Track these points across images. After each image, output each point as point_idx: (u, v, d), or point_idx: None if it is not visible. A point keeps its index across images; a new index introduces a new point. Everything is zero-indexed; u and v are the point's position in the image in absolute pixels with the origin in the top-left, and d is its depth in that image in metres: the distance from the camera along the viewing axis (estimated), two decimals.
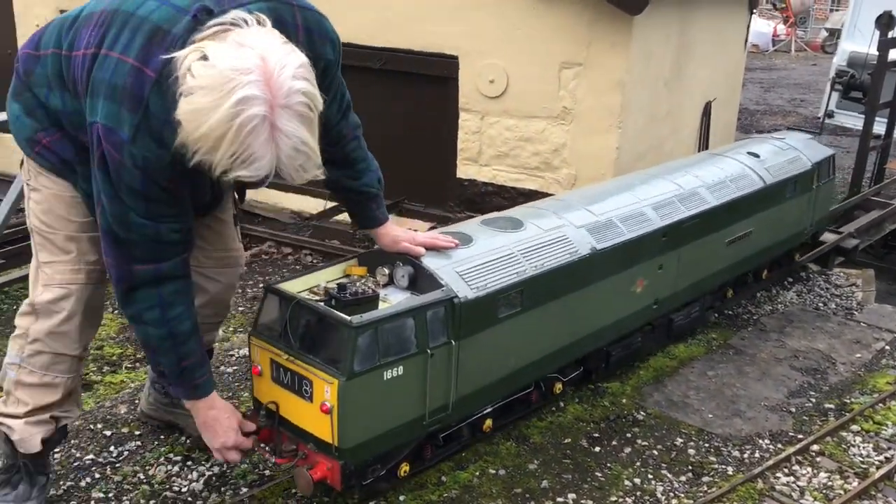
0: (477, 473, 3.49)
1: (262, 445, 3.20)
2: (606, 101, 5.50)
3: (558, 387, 3.87)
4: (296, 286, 3.22)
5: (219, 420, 2.99)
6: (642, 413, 4.01)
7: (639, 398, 4.14)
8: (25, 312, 2.98)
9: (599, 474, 3.55)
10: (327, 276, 3.34)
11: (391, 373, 2.98)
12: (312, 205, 6.61)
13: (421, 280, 3.23)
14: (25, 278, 4.49)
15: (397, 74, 6.22)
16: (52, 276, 2.93)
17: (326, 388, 2.90)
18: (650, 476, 3.55)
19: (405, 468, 3.25)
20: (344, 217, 6.17)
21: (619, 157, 5.59)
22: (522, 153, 5.85)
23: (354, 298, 3.00)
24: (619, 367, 4.25)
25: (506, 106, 5.82)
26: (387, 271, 3.29)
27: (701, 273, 4.48)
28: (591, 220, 3.84)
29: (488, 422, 3.55)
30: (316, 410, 2.95)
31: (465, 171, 6.15)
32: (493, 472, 3.51)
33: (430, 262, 3.23)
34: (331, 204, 6.26)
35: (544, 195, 5.06)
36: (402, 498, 3.32)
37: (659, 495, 3.43)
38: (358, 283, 3.11)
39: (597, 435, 3.81)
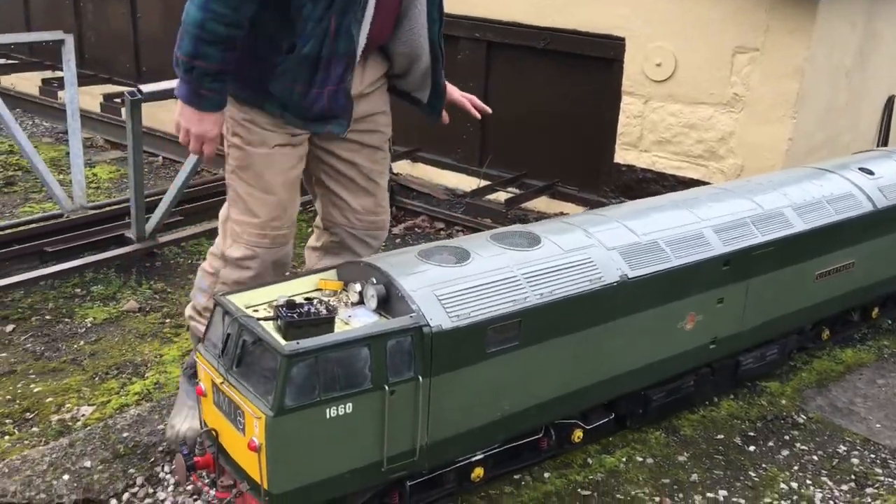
0: (623, 459, 3.43)
1: (202, 474, 2.84)
2: (782, 89, 5.14)
3: (578, 434, 3.29)
4: (252, 298, 2.82)
5: (206, 132, 2.88)
6: (803, 416, 3.81)
7: (800, 400, 3.93)
8: (217, 255, 3.19)
9: (753, 474, 3.40)
10: (297, 288, 2.93)
11: (336, 410, 2.53)
12: (467, 182, 6.69)
13: (392, 301, 2.76)
14: (200, 235, 5.27)
15: (560, 55, 6.10)
16: (240, 235, 3.10)
17: (255, 423, 2.49)
18: (808, 482, 3.39)
19: None
20: (497, 196, 6.30)
21: (791, 149, 5.25)
22: (686, 140, 5.58)
23: (302, 320, 2.57)
24: (663, 415, 3.62)
25: (671, 90, 5.56)
26: (358, 288, 2.84)
27: (779, 310, 3.75)
28: (628, 241, 3.23)
29: (478, 470, 3.03)
30: (247, 446, 2.55)
31: (623, 156, 5.91)
32: (641, 459, 3.44)
33: (407, 282, 2.74)
34: (485, 182, 6.46)
35: (705, 185, 4.78)
36: (546, 475, 3.30)
37: (818, 502, 3.27)
38: (315, 302, 2.67)
39: (752, 434, 3.67)
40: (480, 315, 2.76)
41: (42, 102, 8.69)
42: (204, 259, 3.35)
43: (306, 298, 2.82)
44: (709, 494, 3.27)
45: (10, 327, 4.34)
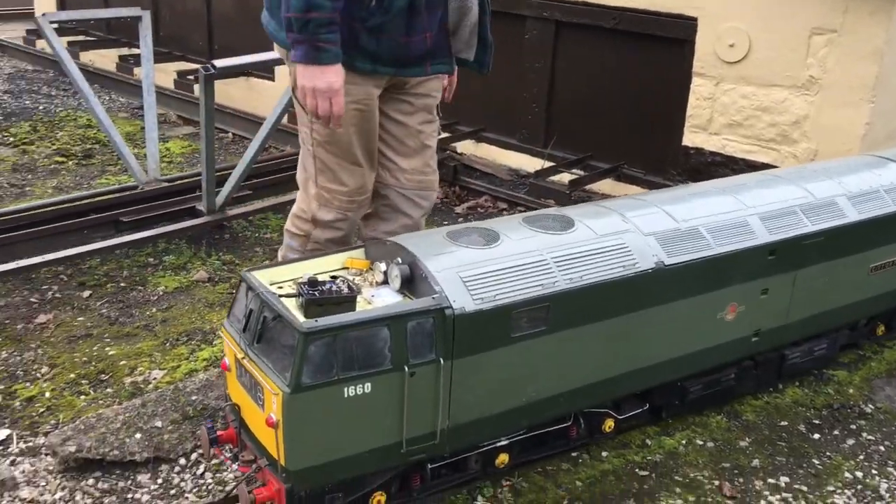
0: (683, 442, 3.42)
1: (226, 447, 2.86)
2: (860, 72, 4.99)
3: (609, 424, 3.22)
4: (278, 275, 2.82)
5: (332, 84, 2.87)
6: (871, 406, 3.74)
7: (868, 390, 3.84)
8: (305, 219, 3.35)
9: (817, 462, 3.37)
10: (325, 266, 2.91)
11: (355, 390, 2.50)
12: (531, 163, 6.64)
13: (416, 282, 2.72)
14: (268, 209, 5.44)
15: (629, 35, 6.02)
16: (330, 201, 3.28)
17: (273, 399, 2.48)
18: (874, 471, 3.33)
19: (379, 499, 2.77)
20: (561, 178, 6.28)
21: (869, 134, 5.08)
22: (758, 123, 5.46)
23: (323, 297, 2.55)
24: (701, 408, 3.51)
25: (744, 72, 5.43)
26: (383, 268, 2.81)
27: (829, 303, 3.59)
28: (667, 227, 3.13)
29: (503, 456, 2.98)
30: (265, 422, 2.55)
31: (691, 138, 5.80)
32: (701, 443, 3.42)
33: (432, 263, 2.70)
34: (549, 164, 6.43)
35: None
36: (604, 454, 3.30)
37: (883, 492, 3.21)
38: (338, 280, 2.65)
39: (817, 422, 3.62)
40: (506, 299, 2.70)
41: (118, 78, 8.98)
42: (264, 232, 3.51)
43: (332, 276, 2.80)
44: (770, 480, 3.23)
45: (87, 293, 4.51)
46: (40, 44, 10.08)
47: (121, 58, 9.42)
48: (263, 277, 2.76)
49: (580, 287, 2.83)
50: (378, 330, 2.51)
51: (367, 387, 2.52)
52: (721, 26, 5.46)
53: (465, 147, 6.95)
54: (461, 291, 2.65)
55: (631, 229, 3.06)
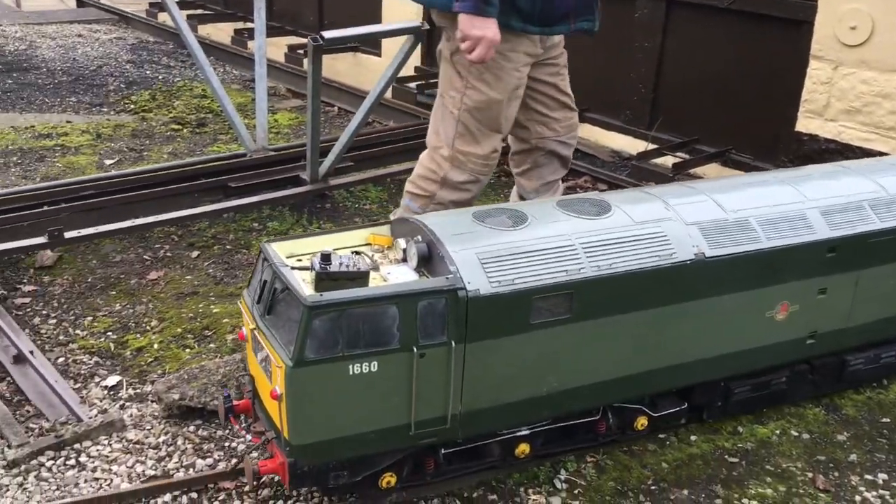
0: (777, 432, 3.33)
1: (241, 417, 2.86)
2: None
3: (642, 422, 3.06)
4: (297, 247, 2.79)
5: (494, 35, 3.18)
6: None
7: None
8: (433, 180, 3.54)
9: None
10: (347, 241, 2.87)
11: (361, 368, 2.45)
12: (634, 145, 6.54)
13: (434, 262, 2.64)
14: (367, 181, 5.60)
15: (745, 15, 5.85)
16: (465, 163, 3.52)
17: (278, 372, 2.46)
18: None
19: (389, 479, 2.72)
20: (665, 160, 6.18)
21: None
22: (878, 110, 5.21)
23: (333, 272, 2.50)
24: (748, 410, 3.31)
25: (865, 56, 5.19)
26: (403, 245, 2.74)
27: None
28: (713, 217, 2.94)
29: (523, 446, 2.88)
30: (270, 394, 2.53)
31: (805, 124, 5.56)
32: (796, 434, 3.33)
33: (451, 242, 2.62)
34: (651, 146, 6.28)
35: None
36: (693, 438, 3.26)
37: None
38: (353, 256, 2.60)
39: None
40: (525, 283, 2.59)
41: (233, 51, 9.28)
42: (364, 203, 3.88)
43: (354, 252, 2.76)
44: (867, 476, 3.11)
45: (195, 253, 4.70)
46: (162, 17, 10.55)
47: (236, 31, 9.74)
48: (282, 249, 2.74)
49: (608, 275, 2.70)
50: (386, 308, 2.45)
51: (374, 365, 2.47)
52: (842, 8, 5.19)
53: None
54: (478, 273, 2.56)
55: (672, 217, 2.90)
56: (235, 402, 2.81)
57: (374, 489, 2.73)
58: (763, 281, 2.98)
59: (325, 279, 2.50)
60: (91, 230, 4.40)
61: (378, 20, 7.98)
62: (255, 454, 2.94)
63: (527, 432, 2.87)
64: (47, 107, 7.35)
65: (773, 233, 2.98)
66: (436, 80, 7.40)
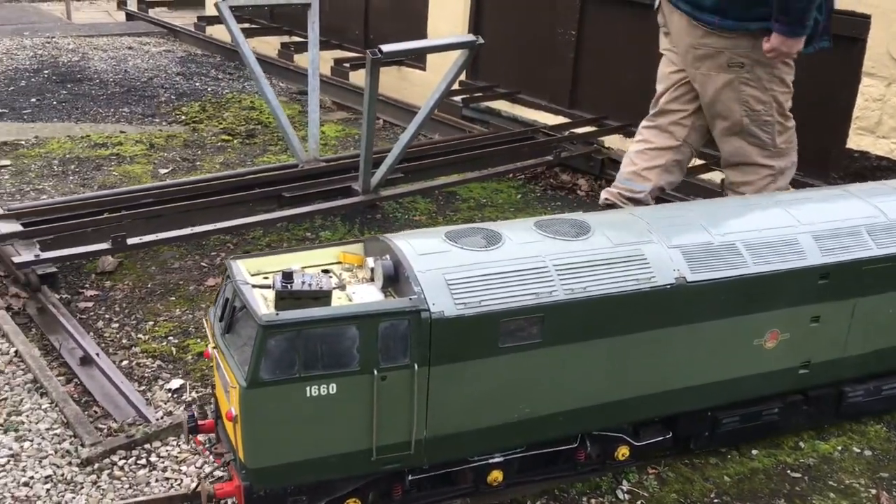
0: (839, 448, 3.33)
1: (201, 437, 2.80)
2: None
3: (623, 452, 2.95)
4: (263, 265, 2.74)
5: (799, 49, 4.08)
6: None
7: None
8: (771, 174, 4.34)
9: None
10: (315, 259, 2.81)
11: (318, 390, 2.38)
12: None
13: (401, 282, 2.57)
14: (417, 192, 5.65)
15: None
16: (790, 148, 4.35)
17: (233, 393, 2.40)
18: None
19: None
20: (711, 176, 6.00)
21: None
22: None
23: (293, 290, 2.44)
24: (737, 441, 3.18)
25: None
26: (371, 264, 2.67)
27: None
28: (697, 241, 2.84)
29: (496, 473, 2.78)
30: (226, 415, 2.47)
31: (857, 141, 5.45)
32: (858, 450, 3.33)
33: (417, 262, 2.54)
34: (699, 161, 6.13)
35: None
36: (754, 452, 3.26)
37: None
38: (315, 274, 2.54)
39: None
40: (493, 305, 2.51)
41: (279, 64, 9.42)
42: (413, 214, 4.16)
43: (323, 270, 2.70)
44: None
45: None
46: (210, 30, 10.82)
47: (282, 45, 9.91)
48: (249, 266, 2.69)
49: (581, 299, 2.60)
50: (345, 329, 2.38)
51: (333, 388, 2.39)
52: None
53: (613, 141, 6.71)
54: (443, 294, 2.48)
55: (653, 240, 2.80)
56: (200, 422, 2.75)
57: None
58: (750, 307, 2.87)
59: (287, 298, 2.43)
60: (151, 237, 4.50)
61: (423, 35, 8.07)
62: (219, 476, 2.88)
63: (500, 459, 2.78)
64: (101, 117, 7.53)
65: (760, 257, 2.86)
66: (479, 94, 7.50)
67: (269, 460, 2.44)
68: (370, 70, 4.54)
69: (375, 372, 2.41)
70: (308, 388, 2.37)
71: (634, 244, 2.77)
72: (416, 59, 8.33)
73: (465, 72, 7.81)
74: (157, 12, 12.74)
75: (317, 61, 5.86)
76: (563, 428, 2.78)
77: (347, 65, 8.78)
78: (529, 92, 7.49)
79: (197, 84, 8.82)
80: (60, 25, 11.74)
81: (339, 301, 2.53)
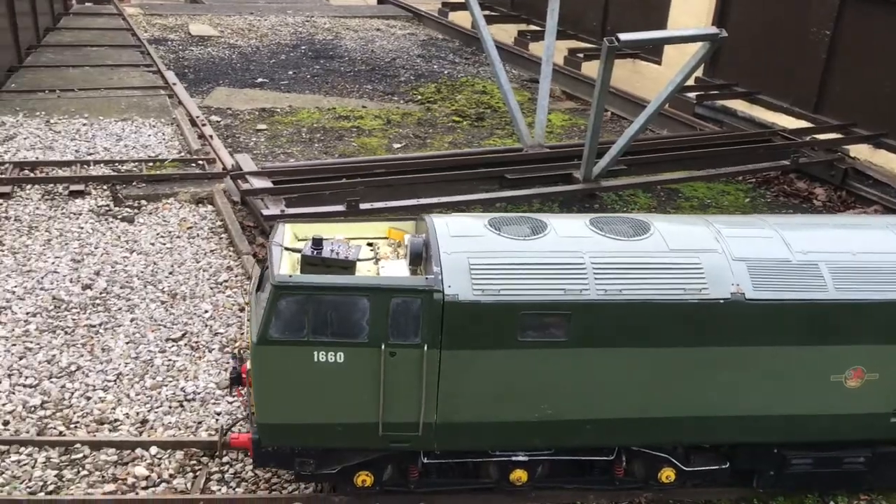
0: None
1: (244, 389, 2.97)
2: None
3: (668, 474, 2.72)
4: (312, 231, 2.80)
5: None
6: None
7: None
8: None
9: None
10: (364, 231, 2.84)
11: (326, 356, 2.43)
12: None
13: (428, 260, 2.56)
14: (638, 186, 5.75)
15: None
16: None
17: (250, 349, 2.54)
18: None
19: (364, 479, 2.67)
20: None
21: None
22: None
23: (318, 256, 2.51)
24: (814, 487, 2.81)
25: None
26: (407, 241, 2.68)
27: None
28: (770, 256, 2.55)
29: (519, 472, 2.69)
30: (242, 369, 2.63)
31: None
32: None
33: (445, 243, 2.51)
34: None
35: None
36: None
37: None
38: (347, 244, 2.59)
39: None
40: (512, 295, 2.42)
41: (514, 52, 9.74)
42: (632, 207, 4.06)
43: (368, 243, 2.77)
44: None
45: None
46: (452, 16, 11.46)
47: (519, 33, 10.19)
48: (297, 231, 2.78)
49: (615, 301, 2.44)
50: (357, 299, 2.40)
51: (340, 356, 2.43)
52: None
53: (860, 151, 6.30)
54: (463, 278, 2.43)
55: (717, 250, 2.56)
56: (244, 374, 2.91)
57: (349, 485, 2.70)
58: (826, 338, 2.54)
59: (312, 263, 2.52)
60: (381, 204, 4.92)
61: (662, 27, 7.92)
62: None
63: (524, 458, 2.68)
64: (347, 92, 8.26)
65: (846, 283, 2.52)
66: (715, 92, 7.26)
67: (278, 418, 2.51)
68: (605, 58, 4.57)
69: (384, 347, 2.42)
70: (316, 353, 2.42)
71: (693, 252, 2.54)
72: (652, 52, 8.16)
73: (701, 68, 7.49)
74: None
75: (552, 49, 5.93)
76: (591, 437, 2.62)
77: (581, 55, 8.82)
78: (770, 93, 7.08)
79: (435, 66, 9.35)
80: (319, 5, 12.97)
81: (368, 273, 2.58)
